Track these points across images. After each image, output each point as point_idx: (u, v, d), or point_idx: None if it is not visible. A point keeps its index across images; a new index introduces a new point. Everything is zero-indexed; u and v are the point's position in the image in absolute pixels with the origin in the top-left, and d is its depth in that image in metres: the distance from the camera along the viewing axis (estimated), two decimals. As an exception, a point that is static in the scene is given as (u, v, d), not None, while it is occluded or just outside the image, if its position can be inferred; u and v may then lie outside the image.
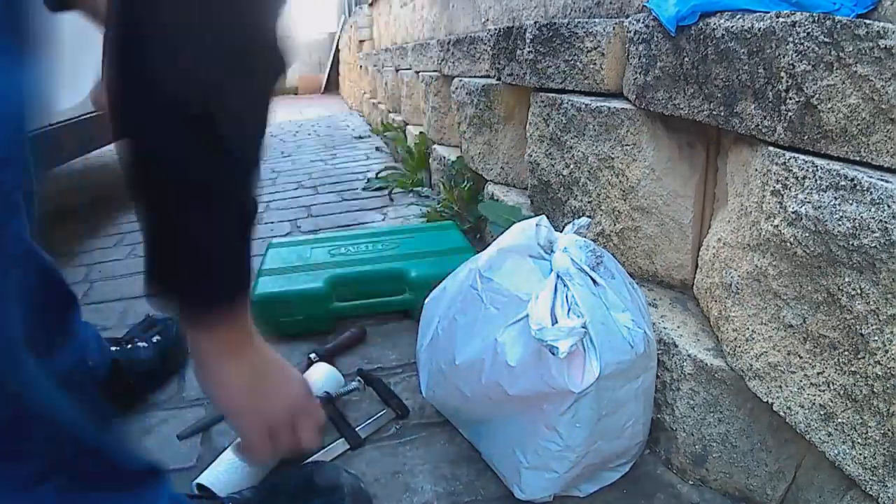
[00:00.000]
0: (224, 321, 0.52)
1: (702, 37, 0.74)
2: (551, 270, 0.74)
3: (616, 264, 0.80)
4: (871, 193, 0.51)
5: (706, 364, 0.73)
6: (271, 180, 2.72)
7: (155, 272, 0.50)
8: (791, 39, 0.60)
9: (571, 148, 1.05)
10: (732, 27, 0.68)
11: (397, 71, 3.34)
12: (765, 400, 0.66)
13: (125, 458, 0.56)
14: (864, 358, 0.54)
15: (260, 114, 0.49)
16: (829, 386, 0.58)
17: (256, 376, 0.57)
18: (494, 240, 0.85)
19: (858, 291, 0.53)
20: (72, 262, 1.74)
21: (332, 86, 9.45)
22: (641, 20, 0.88)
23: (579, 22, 1.06)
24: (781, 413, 0.64)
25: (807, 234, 0.57)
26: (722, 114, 0.72)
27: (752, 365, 0.67)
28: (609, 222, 0.99)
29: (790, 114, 0.61)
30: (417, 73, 2.72)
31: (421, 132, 2.50)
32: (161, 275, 0.50)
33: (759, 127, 0.66)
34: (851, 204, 0.53)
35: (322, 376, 0.94)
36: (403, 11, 3.61)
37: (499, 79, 1.44)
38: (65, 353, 0.81)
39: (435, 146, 2.24)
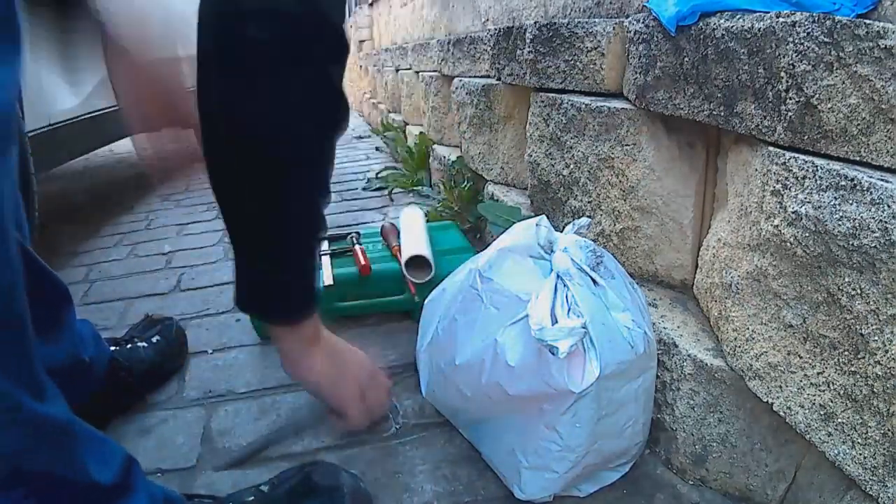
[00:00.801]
0: (303, 324, 0.66)
1: (702, 37, 0.74)
2: (551, 270, 0.74)
3: (616, 264, 0.80)
4: (871, 193, 0.51)
5: (706, 364, 0.73)
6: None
7: (245, 303, 0.64)
8: (791, 39, 0.60)
9: (571, 148, 1.05)
10: (732, 27, 0.68)
11: (397, 71, 3.33)
12: (765, 400, 0.66)
13: (97, 468, 0.56)
14: (864, 358, 0.54)
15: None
16: (829, 386, 0.58)
17: (334, 356, 0.71)
18: (494, 240, 0.85)
19: (858, 291, 0.53)
20: (72, 262, 1.74)
21: (332, 86, 9.42)
22: (641, 20, 0.88)
23: (579, 22, 1.06)
24: (781, 413, 0.65)
25: (807, 234, 0.57)
26: (722, 114, 0.72)
27: (752, 365, 0.67)
28: (609, 222, 0.99)
29: (790, 114, 0.61)
30: (417, 73, 2.72)
31: (421, 132, 2.50)
32: (251, 307, 0.66)
33: (759, 127, 0.66)
34: (851, 204, 0.53)
35: None
36: (403, 11, 3.61)
37: (499, 79, 1.44)
38: (57, 346, 0.81)
39: (435, 146, 2.24)
